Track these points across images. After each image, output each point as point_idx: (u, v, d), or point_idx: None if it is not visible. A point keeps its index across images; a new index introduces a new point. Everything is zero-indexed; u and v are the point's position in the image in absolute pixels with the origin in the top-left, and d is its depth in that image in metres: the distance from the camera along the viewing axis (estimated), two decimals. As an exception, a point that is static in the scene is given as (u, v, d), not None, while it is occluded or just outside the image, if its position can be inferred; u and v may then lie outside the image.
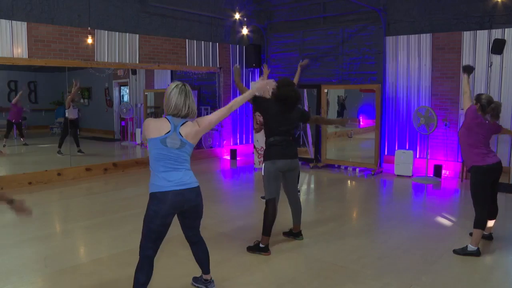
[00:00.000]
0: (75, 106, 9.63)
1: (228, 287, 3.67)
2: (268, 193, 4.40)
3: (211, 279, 3.51)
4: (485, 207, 4.29)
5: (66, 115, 9.54)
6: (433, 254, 4.33)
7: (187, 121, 3.08)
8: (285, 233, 4.86)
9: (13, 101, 9.87)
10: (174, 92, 3.05)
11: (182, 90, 3.07)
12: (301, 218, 4.78)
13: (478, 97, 4.33)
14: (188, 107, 3.06)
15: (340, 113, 10.97)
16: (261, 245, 4.38)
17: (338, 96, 10.63)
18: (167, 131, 2.99)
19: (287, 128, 4.44)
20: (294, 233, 4.80)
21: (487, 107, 4.25)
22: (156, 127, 3.00)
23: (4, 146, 9.80)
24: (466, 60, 7.99)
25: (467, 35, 7.97)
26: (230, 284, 3.71)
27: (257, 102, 4.47)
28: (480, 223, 4.25)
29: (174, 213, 3.10)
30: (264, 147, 4.51)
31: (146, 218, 3.04)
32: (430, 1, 8.33)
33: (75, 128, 9.73)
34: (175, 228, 3.35)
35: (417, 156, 8.65)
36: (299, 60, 10.19)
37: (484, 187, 4.27)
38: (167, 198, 2.99)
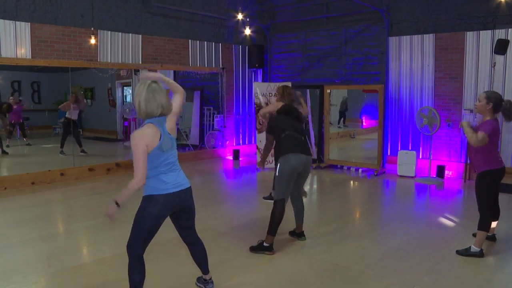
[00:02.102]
0: (76, 108, 9.65)
1: (231, 288, 3.67)
2: (279, 193, 4.39)
3: (210, 279, 3.50)
4: (490, 209, 4.28)
5: (67, 114, 9.58)
6: (436, 255, 4.32)
7: (164, 117, 3.00)
8: (290, 232, 4.89)
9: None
10: (151, 92, 2.88)
11: (156, 89, 2.92)
12: (303, 218, 4.78)
13: (490, 97, 4.18)
14: (169, 104, 3.00)
15: (342, 114, 10.98)
16: (265, 244, 4.36)
17: (343, 97, 10.65)
18: (159, 136, 2.91)
19: (300, 127, 4.62)
20: (297, 233, 4.81)
21: (500, 106, 4.17)
22: (152, 137, 2.88)
23: (7, 146, 9.84)
24: (469, 61, 7.97)
25: (470, 35, 7.94)
26: (231, 284, 3.71)
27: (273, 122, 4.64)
28: (484, 225, 4.23)
29: (168, 214, 3.10)
30: (275, 147, 4.56)
31: (139, 219, 3.00)
32: (433, 1, 8.31)
33: (76, 128, 9.76)
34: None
35: (420, 157, 8.63)
36: (302, 61, 10.24)
37: (492, 190, 4.26)
38: (165, 200, 2.98)
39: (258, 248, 4.39)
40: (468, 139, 4.13)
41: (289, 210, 4.58)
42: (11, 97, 10.02)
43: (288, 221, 4.91)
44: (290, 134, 4.44)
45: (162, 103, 2.91)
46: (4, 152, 9.60)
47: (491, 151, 4.22)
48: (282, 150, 4.38)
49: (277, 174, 4.36)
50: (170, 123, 3.03)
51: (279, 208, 4.35)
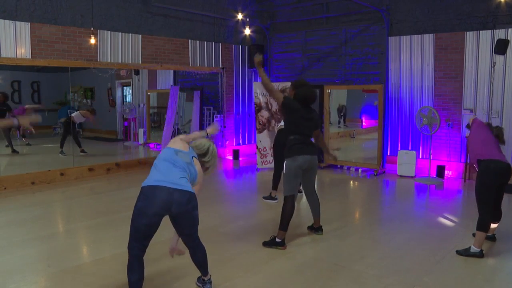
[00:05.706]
0: (86, 119, 9.84)
1: None
2: (288, 190, 4.54)
3: (209, 279, 3.50)
4: (489, 209, 4.25)
5: (72, 115, 9.62)
6: (436, 255, 4.33)
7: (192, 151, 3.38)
8: (308, 227, 5.06)
9: None
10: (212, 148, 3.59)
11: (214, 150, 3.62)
12: (320, 213, 4.95)
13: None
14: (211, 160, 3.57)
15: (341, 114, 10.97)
16: (277, 239, 4.49)
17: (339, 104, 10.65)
18: (184, 150, 3.27)
19: (309, 130, 4.63)
20: (315, 228, 4.98)
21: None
22: (178, 144, 3.31)
23: (6, 146, 9.85)
24: (469, 61, 7.96)
25: (470, 35, 7.94)
26: (231, 284, 3.71)
27: (286, 103, 4.50)
28: (483, 225, 4.22)
29: (162, 214, 3.01)
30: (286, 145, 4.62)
31: (132, 215, 3.01)
32: (433, 1, 8.31)
33: (75, 128, 9.79)
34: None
35: (420, 157, 8.62)
36: (302, 60, 10.24)
37: (490, 187, 4.22)
38: (155, 193, 2.94)
39: (270, 243, 4.51)
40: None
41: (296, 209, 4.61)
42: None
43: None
44: (298, 137, 4.53)
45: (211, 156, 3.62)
46: (14, 151, 9.75)
47: (486, 143, 4.24)
48: (290, 152, 4.50)
49: (284, 171, 4.54)
50: (199, 165, 3.39)
51: (289, 204, 4.51)
